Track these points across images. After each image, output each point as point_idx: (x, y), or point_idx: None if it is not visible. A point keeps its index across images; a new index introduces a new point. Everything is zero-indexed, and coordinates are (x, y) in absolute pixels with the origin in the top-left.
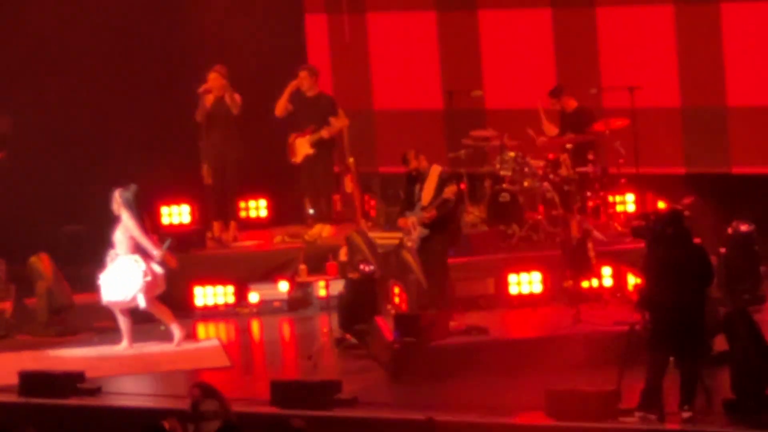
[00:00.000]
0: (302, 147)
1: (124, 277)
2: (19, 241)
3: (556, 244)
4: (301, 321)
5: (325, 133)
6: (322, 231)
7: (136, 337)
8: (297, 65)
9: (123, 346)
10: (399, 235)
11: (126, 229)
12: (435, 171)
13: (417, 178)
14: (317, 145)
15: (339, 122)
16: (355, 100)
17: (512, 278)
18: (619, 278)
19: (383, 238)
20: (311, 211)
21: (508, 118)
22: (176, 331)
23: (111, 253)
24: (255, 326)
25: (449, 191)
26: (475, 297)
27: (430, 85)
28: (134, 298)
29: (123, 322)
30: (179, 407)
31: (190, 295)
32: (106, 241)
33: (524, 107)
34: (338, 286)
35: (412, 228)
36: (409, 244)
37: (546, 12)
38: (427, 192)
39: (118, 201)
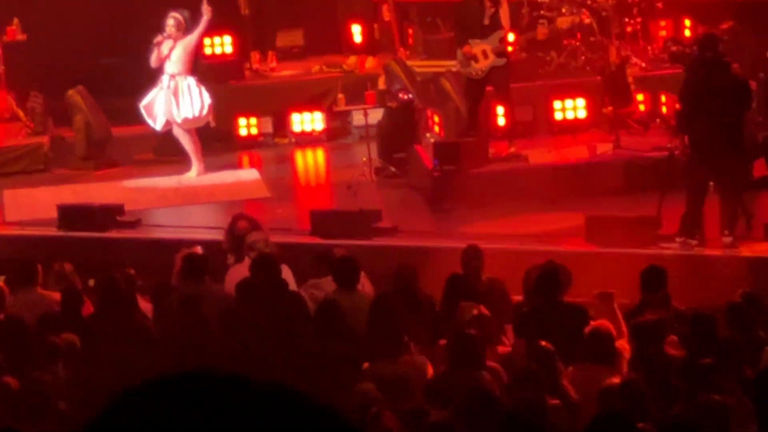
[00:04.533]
0: None
1: (191, 96)
2: (57, 74)
3: (594, 70)
4: (340, 150)
5: None
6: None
7: (169, 170)
8: None
9: (195, 172)
10: (439, 63)
11: (186, 47)
12: None
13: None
14: None
15: None
16: None
17: (557, 104)
18: (658, 104)
19: (422, 66)
20: None
21: None
22: (198, 165)
23: (163, 77)
24: (294, 156)
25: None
26: (515, 123)
27: None
28: (206, 116)
29: (191, 144)
30: (218, 238)
31: (229, 126)
32: (143, 74)
33: None
34: (377, 115)
35: (482, 56)
36: (476, 72)
37: None
38: (505, 18)
39: (178, 19)
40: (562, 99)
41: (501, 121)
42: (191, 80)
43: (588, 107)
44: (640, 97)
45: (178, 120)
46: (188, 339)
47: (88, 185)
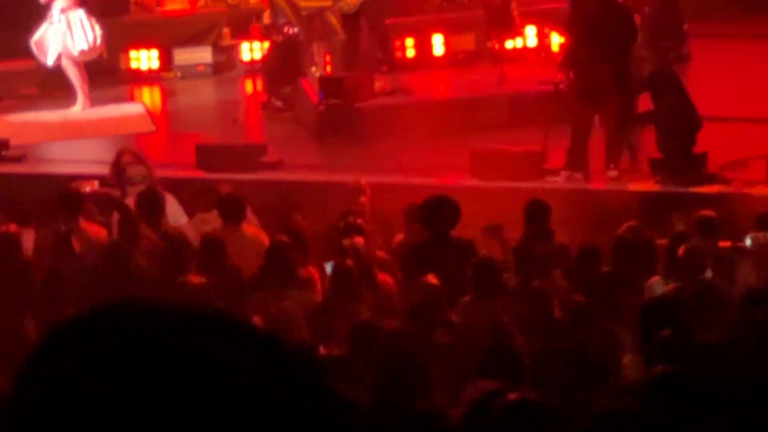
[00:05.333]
0: None
1: (84, 28)
2: None
3: (479, 4)
4: (226, 85)
5: None
6: None
7: (54, 104)
8: None
9: (80, 106)
10: None
11: None
12: None
13: None
14: None
15: None
16: None
17: (439, 39)
18: (543, 38)
19: (307, 0)
20: None
21: None
22: (84, 99)
23: (53, 12)
24: (179, 90)
25: None
26: (399, 58)
27: None
28: (100, 47)
29: (78, 78)
30: (103, 172)
31: (115, 60)
32: (24, 8)
33: None
34: (262, 49)
35: None
36: (348, 7)
37: None
38: None
39: None
40: (446, 33)
41: (384, 55)
42: (81, 13)
43: (470, 42)
44: (526, 31)
45: (74, 53)
46: (62, 275)
47: None
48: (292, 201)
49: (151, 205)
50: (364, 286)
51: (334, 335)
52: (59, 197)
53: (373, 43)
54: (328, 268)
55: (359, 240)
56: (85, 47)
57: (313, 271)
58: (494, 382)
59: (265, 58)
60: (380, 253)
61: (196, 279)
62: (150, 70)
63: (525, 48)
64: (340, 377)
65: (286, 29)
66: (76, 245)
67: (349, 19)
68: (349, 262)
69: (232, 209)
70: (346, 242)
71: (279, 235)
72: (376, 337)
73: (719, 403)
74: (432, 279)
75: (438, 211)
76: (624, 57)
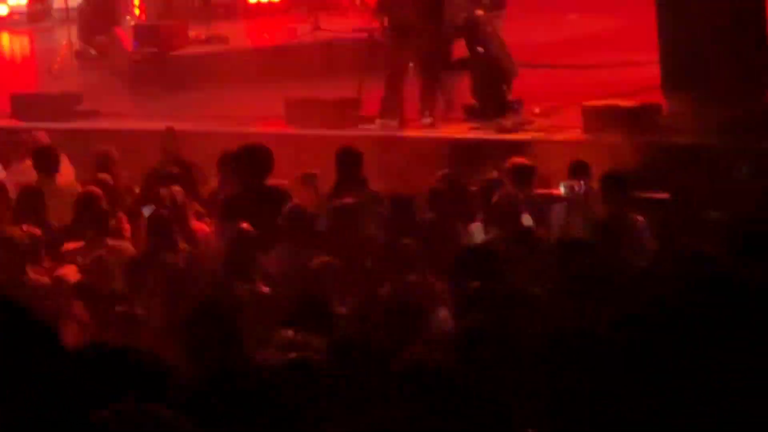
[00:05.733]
0: None
1: None
2: None
3: None
4: (41, 34)
5: None
6: None
7: None
8: None
9: None
10: None
11: None
12: None
13: None
14: None
15: None
16: None
17: None
18: None
19: None
20: None
21: None
22: None
23: None
24: None
25: None
26: (214, 6)
27: None
28: None
29: None
30: None
31: None
32: None
33: None
34: None
35: None
36: None
37: None
38: None
39: None
40: None
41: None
42: None
43: None
44: None
45: None
46: None
47: None
48: (106, 150)
49: None
50: (179, 235)
51: (148, 285)
52: None
53: None
54: (147, 211)
55: (175, 189)
56: None
57: (125, 222)
58: (299, 332)
59: (79, 6)
60: (194, 203)
61: (13, 231)
62: None
63: None
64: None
65: None
66: None
67: None
68: (165, 211)
69: (46, 160)
70: (162, 191)
71: (91, 185)
72: (189, 287)
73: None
74: (246, 226)
75: (251, 160)
76: (437, 3)
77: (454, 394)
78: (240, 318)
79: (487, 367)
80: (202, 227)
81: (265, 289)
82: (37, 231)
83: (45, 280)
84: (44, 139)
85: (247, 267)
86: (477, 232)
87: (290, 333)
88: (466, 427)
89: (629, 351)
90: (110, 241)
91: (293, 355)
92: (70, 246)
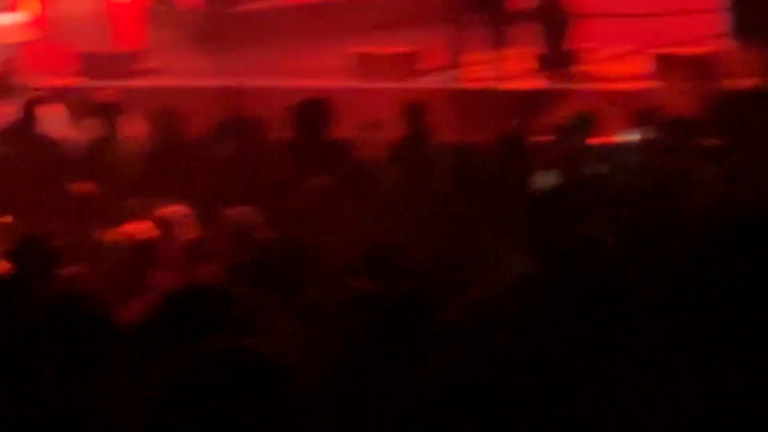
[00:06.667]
0: None
1: None
2: None
3: None
4: None
5: None
6: None
7: None
8: None
9: None
10: None
11: None
12: None
13: None
14: None
15: None
16: None
17: None
18: None
19: None
20: None
21: None
22: None
23: None
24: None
25: None
26: None
27: None
28: None
29: None
30: None
31: None
32: None
33: None
34: None
35: None
36: None
37: None
38: None
39: None
40: None
41: None
42: None
43: None
44: None
45: None
46: None
47: None
48: (170, 107)
49: (34, 113)
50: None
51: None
52: None
53: None
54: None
55: (239, 144)
56: None
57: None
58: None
59: None
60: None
61: (80, 186)
62: None
63: None
64: None
65: None
66: None
67: None
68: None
69: (112, 117)
70: (225, 147)
71: (156, 142)
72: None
73: (599, 304)
74: (313, 179)
75: (314, 113)
76: None
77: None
78: (309, 265)
79: (553, 316)
80: (264, 182)
81: (331, 240)
82: (102, 188)
83: (113, 237)
84: (111, 96)
85: (316, 219)
86: (543, 182)
87: (364, 282)
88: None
89: (696, 298)
90: (173, 198)
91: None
92: (134, 202)
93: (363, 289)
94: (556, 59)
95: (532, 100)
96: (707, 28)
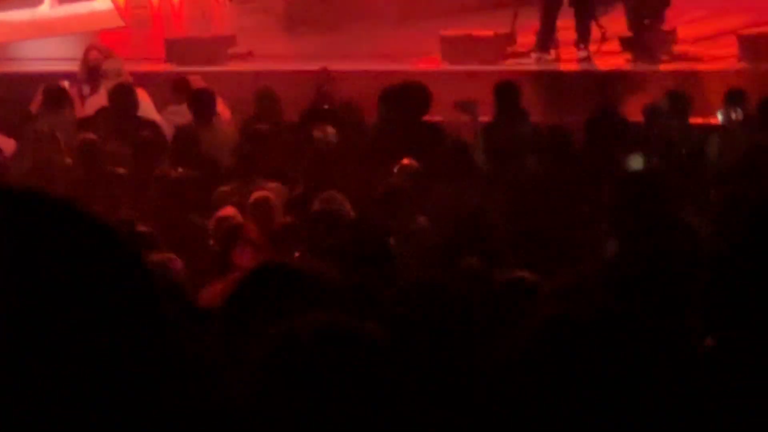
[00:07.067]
0: None
1: None
2: None
3: None
4: None
5: None
6: None
7: (23, 2)
8: None
9: (48, 3)
10: None
11: None
12: None
13: None
14: None
15: None
16: None
17: None
18: None
19: None
20: None
21: None
22: None
23: None
24: None
25: None
26: None
27: None
28: None
29: None
30: (74, 69)
31: None
32: None
33: None
34: None
35: None
36: None
37: None
38: None
39: None
40: None
41: None
42: None
43: None
44: None
45: None
46: (45, 171)
47: None
48: (268, 87)
49: (124, 99)
50: (336, 175)
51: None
52: (43, 92)
53: None
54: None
55: (329, 129)
56: None
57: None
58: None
59: None
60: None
61: (172, 172)
62: None
63: None
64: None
65: None
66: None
67: None
68: (324, 151)
69: (202, 103)
70: (316, 132)
71: (253, 126)
72: (345, 222)
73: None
74: (408, 161)
75: (409, 97)
76: None
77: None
78: (402, 249)
79: (651, 299)
80: (356, 165)
81: (427, 223)
82: (194, 173)
83: (206, 221)
84: (199, 82)
85: (409, 201)
86: (635, 163)
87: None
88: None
89: None
90: (271, 183)
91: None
92: (224, 188)
93: (463, 269)
94: (645, 40)
95: (622, 82)
96: None
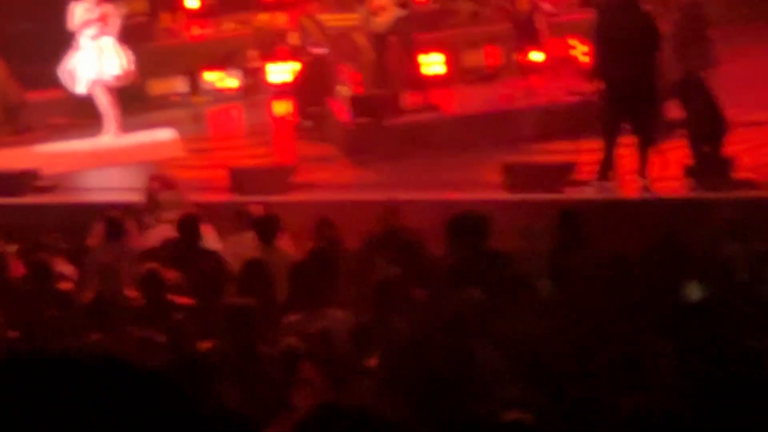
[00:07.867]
0: None
1: (117, 53)
2: None
3: (505, 17)
4: (255, 107)
5: None
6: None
7: (84, 133)
8: None
9: (111, 134)
10: (351, 16)
11: (105, 10)
12: None
13: None
14: None
15: None
16: None
17: (464, 54)
18: (568, 48)
19: (334, 20)
20: None
21: None
22: (115, 126)
23: (81, 40)
24: (209, 114)
25: None
26: (425, 75)
27: None
28: (134, 72)
29: (109, 105)
30: (136, 200)
31: (143, 87)
32: (53, 39)
33: None
34: (290, 70)
35: (383, 10)
36: (378, 27)
37: None
38: None
39: None
40: (473, 48)
41: (414, 71)
42: (110, 39)
43: (499, 55)
44: (554, 42)
45: (108, 78)
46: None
47: (3, 151)
48: (326, 216)
49: (189, 229)
50: (401, 301)
51: (375, 350)
52: (104, 222)
53: (404, 60)
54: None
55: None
56: (119, 72)
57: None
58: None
59: (297, 79)
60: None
61: (238, 301)
62: (179, 95)
63: (551, 59)
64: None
65: (313, 49)
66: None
67: (378, 38)
68: (389, 281)
69: (268, 230)
70: (380, 261)
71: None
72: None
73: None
74: (475, 291)
75: (470, 225)
76: (651, 64)
77: None
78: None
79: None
80: (420, 294)
81: (490, 350)
82: (261, 302)
83: (273, 350)
84: (259, 210)
85: (475, 329)
86: (695, 290)
87: (515, 390)
88: None
89: None
90: (332, 311)
91: (513, 415)
92: (290, 318)
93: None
94: (707, 167)
95: (683, 209)
96: None
